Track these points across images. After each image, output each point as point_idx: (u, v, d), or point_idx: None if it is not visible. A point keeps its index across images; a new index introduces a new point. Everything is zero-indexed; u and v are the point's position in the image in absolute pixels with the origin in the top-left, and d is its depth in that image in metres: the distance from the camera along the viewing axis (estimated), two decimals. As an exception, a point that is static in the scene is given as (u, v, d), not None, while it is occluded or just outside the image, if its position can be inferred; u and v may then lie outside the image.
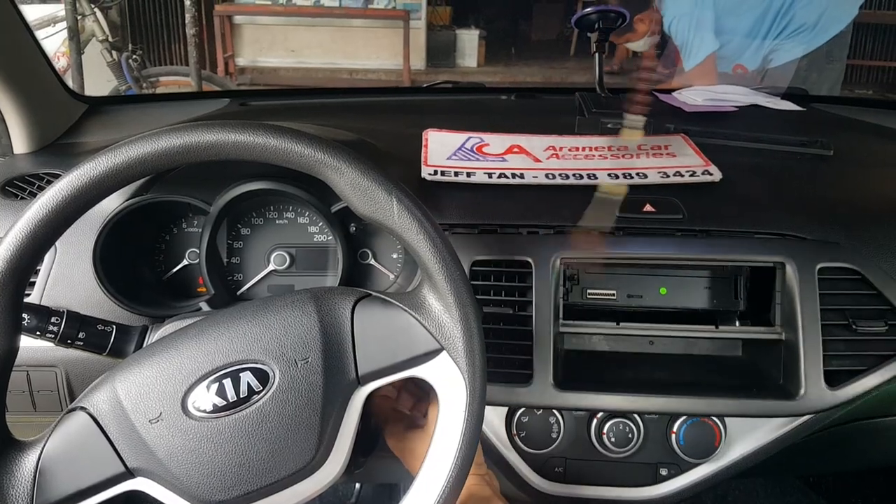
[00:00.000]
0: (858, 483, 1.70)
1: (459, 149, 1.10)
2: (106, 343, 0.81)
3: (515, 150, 1.10)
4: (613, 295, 0.94)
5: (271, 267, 1.01)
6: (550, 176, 1.01)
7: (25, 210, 0.62)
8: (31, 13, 3.52)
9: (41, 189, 1.00)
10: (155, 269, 1.02)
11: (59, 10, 3.34)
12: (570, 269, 0.95)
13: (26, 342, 0.69)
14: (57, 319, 0.79)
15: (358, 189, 0.67)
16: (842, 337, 0.90)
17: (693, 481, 0.91)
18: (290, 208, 1.03)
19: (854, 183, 1.07)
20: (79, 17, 3.20)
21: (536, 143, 1.12)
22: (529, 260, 0.91)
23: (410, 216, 0.68)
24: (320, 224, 1.02)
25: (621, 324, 0.92)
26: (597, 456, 0.90)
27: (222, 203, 0.94)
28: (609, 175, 1.01)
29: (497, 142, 1.13)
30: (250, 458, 0.65)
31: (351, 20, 6.15)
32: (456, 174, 1.01)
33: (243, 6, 6.18)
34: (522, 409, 0.90)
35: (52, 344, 0.79)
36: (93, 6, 3.27)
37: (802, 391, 0.87)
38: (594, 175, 1.01)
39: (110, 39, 3.34)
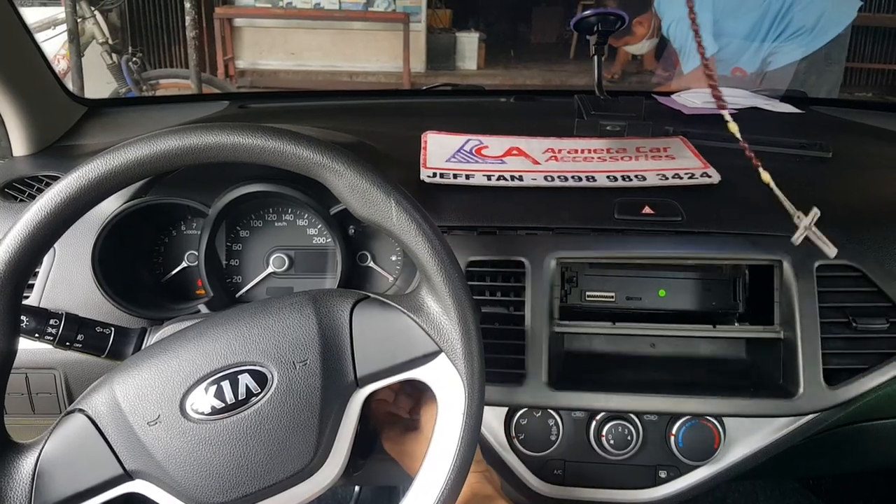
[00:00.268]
0: (858, 485, 1.70)
1: (458, 151, 1.10)
2: (104, 345, 0.81)
3: (514, 152, 1.10)
4: (612, 297, 0.94)
5: (270, 269, 1.01)
6: (549, 178, 1.01)
7: (24, 212, 0.62)
8: (31, 15, 3.52)
9: (40, 191, 1.00)
10: (154, 271, 1.02)
11: (59, 12, 3.35)
12: (568, 272, 0.95)
13: (25, 344, 0.69)
14: (56, 321, 0.79)
15: (356, 191, 0.67)
16: (841, 335, 0.90)
17: (692, 483, 0.91)
18: (289, 210, 1.03)
19: (853, 185, 1.07)
20: (79, 20, 3.20)
21: (535, 145, 1.12)
22: (524, 260, 0.91)
23: (409, 218, 0.68)
24: (319, 226, 1.02)
25: (618, 323, 0.92)
26: (596, 458, 0.90)
27: (221, 205, 0.94)
28: (608, 177, 1.01)
29: (496, 144, 1.13)
30: (248, 460, 0.65)
31: (351, 23, 6.16)
32: (455, 176, 1.01)
33: (243, 9, 6.18)
34: (521, 412, 0.90)
35: (50, 346, 0.79)
36: (93, 9, 3.27)
37: (801, 390, 0.87)
38: (593, 177, 1.01)
39: (110, 42, 3.34)
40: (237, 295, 1.02)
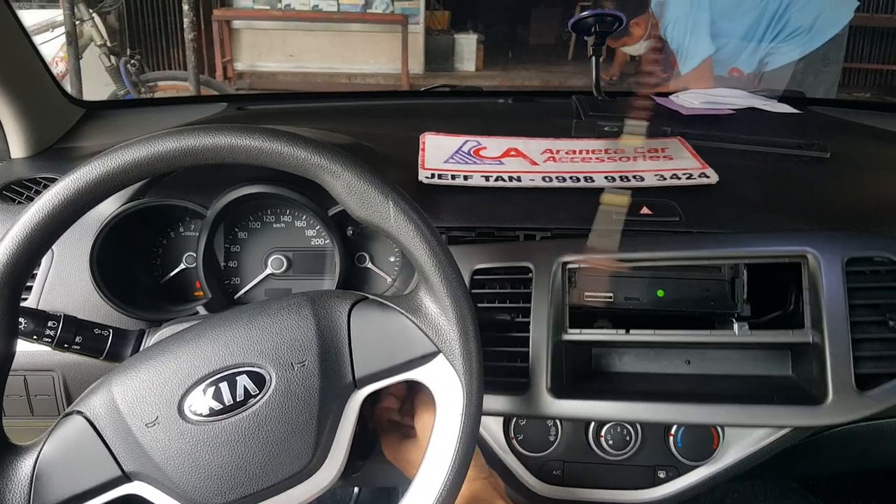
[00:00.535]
0: (857, 485, 1.70)
1: (457, 152, 1.10)
2: (103, 347, 0.81)
3: (512, 153, 1.10)
4: (611, 297, 0.94)
5: (268, 271, 1.01)
6: (547, 179, 1.01)
7: (21, 214, 0.62)
8: (29, 18, 3.52)
9: (38, 193, 1.00)
10: (152, 273, 1.02)
11: (58, 14, 3.35)
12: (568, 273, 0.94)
13: (23, 346, 0.69)
14: (54, 323, 0.79)
15: (354, 192, 0.68)
16: (876, 335, 0.84)
17: (691, 484, 0.91)
18: (288, 212, 1.03)
19: (851, 185, 1.07)
20: (77, 22, 3.20)
21: (534, 146, 1.12)
22: (530, 265, 0.90)
23: (407, 219, 0.68)
24: (317, 228, 1.02)
25: (632, 331, 0.89)
26: (595, 459, 0.90)
27: (219, 207, 0.94)
28: (606, 178, 1.01)
29: (494, 145, 1.13)
30: (247, 461, 0.65)
31: (349, 25, 6.17)
32: (453, 177, 1.01)
33: (242, 11, 6.19)
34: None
35: (49, 348, 0.79)
36: (91, 11, 3.27)
37: (830, 398, 0.82)
38: (591, 178, 1.01)
39: (109, 44, 3.34)
40: (235, 296, 1.02)
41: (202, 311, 0.94)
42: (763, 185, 1.04)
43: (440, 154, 1.08)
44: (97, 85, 3.47)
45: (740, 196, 1.00)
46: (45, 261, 0.97)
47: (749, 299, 0.95)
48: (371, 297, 0.72)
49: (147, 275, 1.01)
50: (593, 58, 1.22)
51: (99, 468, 0.65)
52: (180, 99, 1.61)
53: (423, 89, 1.67)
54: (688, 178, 1.01)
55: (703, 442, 0.88)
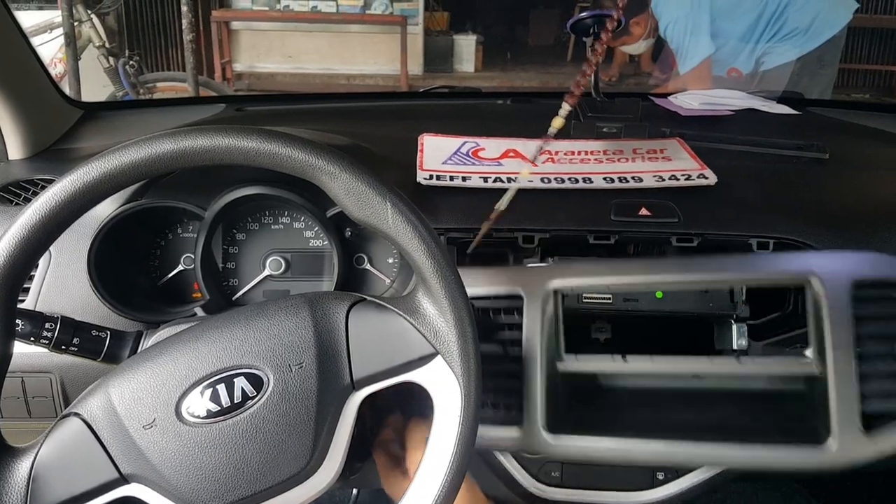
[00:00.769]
0: (858, 486, 1.70)
1: (455, 153, 1.10)
2: (100, 349, 0.81)
3: (511, 154, 1.10)
4: (609, 299, 0.93)
5: (267, 272, 1.01)
6: (546, 180, 1.01)
7: (18, 216, 0.62)
8: (27, 19, 3.52)
9: (36, 195, 1.00)
10: (150, 274, 1.02)
11: (56, 16, 3.34)
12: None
13: (20, 348, 0.69)
14: (51, 325, 0.79)
15: (352, 193, 0.67)
16: (886, 369, 0.78)
17: (690, 485, 0.91)
18: (286, 213, 1.03)
19: (850, 186, 1.07)
20: (75, 23, 3.20)
21: (532, 147, 1.12)
22: (521, 293, 0.85)
23: (405, 220, 0.67)
24: (316, 229, 1.02)
25: (629, 358, 0.84)
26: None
27: (217, 208, 0.94)
28: (604, 179, 1.01)
29: (492, 146, 1.13)
30: (244, 463, 0.65)
31: (348, 26, 6.17)
32: (451, 178, 1.01)
33: (240, 12, 6.19)
34: None
35: (46, 350, 0.79)
36: (89, 12, 3.27)
37: (833, 438, 0.77)
38: (589, 179, 1.01)
39: (107, 45, 3.34)
40: (233, 298, 1.02)
41: (200, 312, 0.94)
42: (762, 185, 1.04)
43: (438, 155, 1.08)
44: (96, 86, 3.47)
45: (739, 197, 1.00)
46: (42, 262, 0.97)
47: (748, 300, 0.95)
48: (369, 298, 0.72)
49: (145, 276, 1.01)
50: (586, 63, 1.22)
51: (96, 470, 0.65)
52: (178, 100, 1.61)
53: (421, 90, 1.67)
54: (686, 179, 1.01)
55: None
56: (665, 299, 0.93)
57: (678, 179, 1.01)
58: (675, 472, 0.91)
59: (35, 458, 0.64)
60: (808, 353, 0.82)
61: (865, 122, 1.38)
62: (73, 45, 3.10)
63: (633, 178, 1.01)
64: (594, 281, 0.86)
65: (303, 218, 1.03)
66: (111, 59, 3.32)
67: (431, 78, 6.24)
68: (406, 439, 0.84)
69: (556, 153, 1.10)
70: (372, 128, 1.24)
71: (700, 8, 2.36)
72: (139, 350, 0.83)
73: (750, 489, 1.72)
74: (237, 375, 0.66)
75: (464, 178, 1.01)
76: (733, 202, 0.99)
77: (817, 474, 0.84)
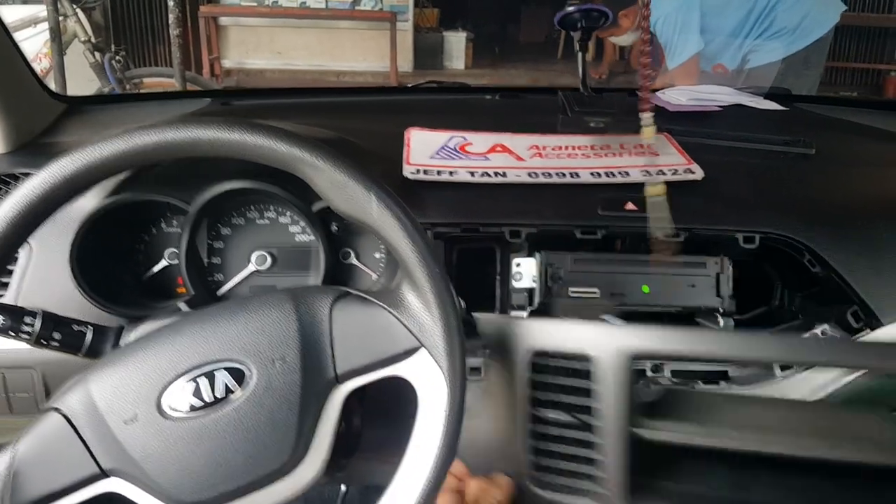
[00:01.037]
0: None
1: (442, 148, 1.09)
2: (82, 344, 0.80)
3: (499, 149, 1.10)
4: (596, 293, 0.93)
5: (252, 267, 1.00)
6: (533, 175, 1.01)
7: None
8: (11, 14, 3.48)
9: (16, 189, 0.99)
10: (134, 269, 1.01)
11: (41, 10, 3.31)
12: (552, 268, 0.94)
13: (2, 343, 0.68)
14: (32, 320, 0.78)
15: (336, 186, 0.67)
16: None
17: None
18: (272, 208, 1.02)
19: (836, 181, 1.08)
20: (60, 18, 3.17)
21: (520, 142, 1.12)
22: (589, 354, 0.76)
23: (389, 213, 0.67)
24: (302, 224, 1.02)
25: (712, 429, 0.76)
26: (580, 454, 0.89)
27: (201, 202, 0.93)
28: (591, 174, 1.01)
29: (480, 141, 1.12)
30: (226, 458, 0.64)
31: (337, 22, 6.14)
32: (438, 173, 1.01)
33: (229, 8, 6.15)
34: None
35: (28, 345, 0.78)
36: (74, 7, 3.24)
37: None
38: (576, 174, 1.01)
39: (93, 40, 3.31)
40: (219, 293, 1.01)
41: (184, 307, 0.93)
42: (748, 181, 1.04)
43: (426, 150, 1.08)
44: (81, 81, 3.43)
45: (726, 192, 1.00)
46: (24, 257, 0.96)
47: (735, 295, 0.95)
48: (353, 292, 0.71)
49: (129, 271, 1.00)
50: (580, 53, 1.22)
51: (76, 465, 0.64)
52: (164, 94, 1.59)
53: (409, 86, 1.67)
54: (673, 174, 1.01)
55: None
56: (652, 293, 0.93)
57: (665, 174, 1.01)
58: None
59: (14, 454, 0.63)
60: None
61: (852, 118, 1.38)
62: (59, 40, 3.07)
63: (620, 172, 1.01)
64: (673, 347, 0.77)
65: (289, 213, 1.02)
66: (97, 54, 3.29)
67: (421, 75, 6.23)
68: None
69: (544, 148, 1.10)
70: (359, 123, 1.23)
71: (690, 5, 2.37)
72: (120, 344, 0.82)
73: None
74: (219, 369, 0.65)
75: (451, 173, 1.01)
76: (720, 197, 0.99)
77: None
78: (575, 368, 0.78)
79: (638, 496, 0.77)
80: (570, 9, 1.16)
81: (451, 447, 0.67)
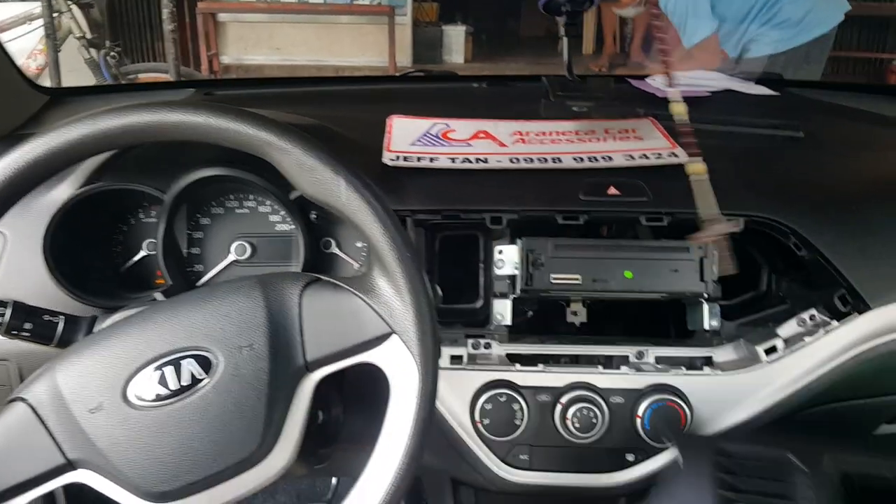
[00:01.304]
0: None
1: (424, 135, 1.08)
2: (53, 334, 0.79)
3: (481, 135, 1.08)
4: (578, 280, 0.92)
5: (232, 257, 0.99)
6: (515, 160, 0.99)
7: None
8: (6, 11, 3.47)
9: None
10: (112, 260, 1.00)
11: (35, 7, 3.31)
12: (533, 254, 0.93)
13: None
14: (2, 310, 0.77)
15: (304, 169, 0.66)
16: None
17: (660, 466, 0.90)
18: (251, 197, 1.01)
19: (824, 164, 1.06)
20: (55, 14, 3.16)
21: (503, 128, 1.10)
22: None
23: (359, 196, 0.66)
24: (282, 213, 1.00)
25: None
26: (562, 442, 0.89)
27: (177, 190, 0.92)
28: (574, 158, 1.00)
29: (463, 127, 1.11)
30: (193, 447, 0.63)
31: (336, 17, 6.12)
32: (419, 159, 0.99)
33: (227, 3, 6.14)
34: (486, 397, 0.88)
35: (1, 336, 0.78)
36: (69, 3, 3.23)
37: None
38: (559, 159, 1.00)
39: (87, 36, 3.30)
40: (198, 284, 1.00)
41: (161, 298, 0.92)
42: (734, 164, 1.02)
43: (407, 137, 1.06)
44: (80, 77, 3.43)
45: (711, 176, 0.98)
46: None
47: (719, 280, 0.94)
48: (324, 278, 0.70)
49: (107, 261, 0.99)
50: (564, 38, 1.20)
51: (42, 456, 0.63)
52: (147, 85, 1.58)
53: (397, 75, 1.65)
54: (657, 158, 0.99)
55: (670, 423, 0.87)
56: (635, 279, 0.92)
57: (648, 158, 0.99)
58: (644, 453, 0.90)
59: None
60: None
61: (844, 103, 1.36)
62: (53, 37, 3.07)
63: (602, 157, 1.00)
64: None
65: (268, 202, 1.01)
66: (92, 50, 3.29)
67: (420, 69, 6.20)
68: None
69: (527, 134, 1.09)
70: (344, 111, 1.22)
71: None
72: None
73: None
74: (185, 357, 0.64)
75: (431, 159, 1.00)
76: (704, 181, 0.98)
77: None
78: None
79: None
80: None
81: (422, 433, 0.66)
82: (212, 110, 0.65)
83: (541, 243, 0.93)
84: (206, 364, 0.64)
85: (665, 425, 0.86)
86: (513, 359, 0.92)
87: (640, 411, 0.87)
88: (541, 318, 1.05)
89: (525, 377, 0.89)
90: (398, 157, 0.99)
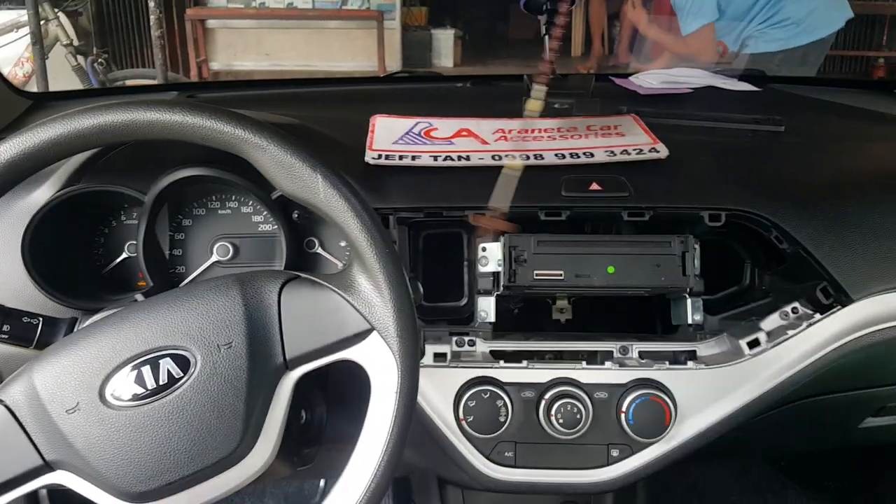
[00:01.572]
0: (831, 466, 1.70)
1: (406, 133, 1.08)
2: (32, 336, 0.79)
3: (464, 133, 1.08)
4: (561, 275, 0.92)
5: (214, 258, 0.99)
6: (497, 157, 0.99)
7: None
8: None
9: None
10: (94, 262, 0.99)
11: (22, 15, 3.29)
12: (516, 250, 0.93)
13: None
14: None
15: (282, 166, 0.66)
16: None
17: (646, 462, 0.90)
18: (233, 197, 1.01)
19: (805, 158, 1.07)
20: (42, 22, 3.15)
21: (485, 126, 1.10)
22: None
23: (336, 193, 0.66)
24: (265, 213, 1.00)
25: None
26: (546, 438, 0.88)
27: (157, 191, 0.91)
28: (556, 155, 1.00)
29: (445, 126, 1.11)
30: (171, 447, 0.63)
31: (325, 22, 6.11)
32: (400, 157, 0.99)
33: (215, 10, 6.12)
34: (469, 394, 0.88)
35: None
36: (56, 10, 3.22)
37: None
38: (541, 156, 1.00)
39: (75, 44, 3.29)
40: (180, 285, 0.99)
41: (141, 299, 0.91)
42: (715, 159, 1.02)
43: (389, 136, 1.06)
44: (70, 85, 3.41)
45: (691, 170, 0.99)
46: None
47: (703, 275, 0.94)
48: (303, 276, 0.70)
49: (88, 264, 0.99)
50: (545, 36, 1.20)
51: (19, 458, 0.63)
52: (131, 88, 1.58)
53: (382, 76, 1.65)
54: (638, 154, 0.99)
55: (654, 418, 0.87)
56: (617, 274, 0.92)
57: (630, 154, 0.99)
58: (629, 448, 0.89)
59: None
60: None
61: (826, 98, 1.37)
62: (40, 44, 3.05)
63: (584, 153, 1.00)
64: None
65: (251, 202, 1.00)
66: (79, 57, 3.28)
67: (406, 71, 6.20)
68: None
69: (510, 132, 1.09)
70: (328, 112, 1.22)
71: None
72: None
73: (720, 471, 1.72)
74: (163, 356, 0.64)
75: (413, 157, 0.99)
76: (686, 176, 0.98)
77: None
78: None
79: None
80: (534, -8, 1.15)
81: (403, 430, 0.65)
82: (187, 108, 0.65)
83: (524, 240, 0.93)
84: (183, 363, 0.64)
85: None
86: (497, 356, 0.92)
87: (625, 406, 0.87)
88: (527, 316, 1.06)
89: (509, 374, 0.89)
90: (380, 156, 0.99)
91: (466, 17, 6.94)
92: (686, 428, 0.89)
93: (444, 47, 6.57)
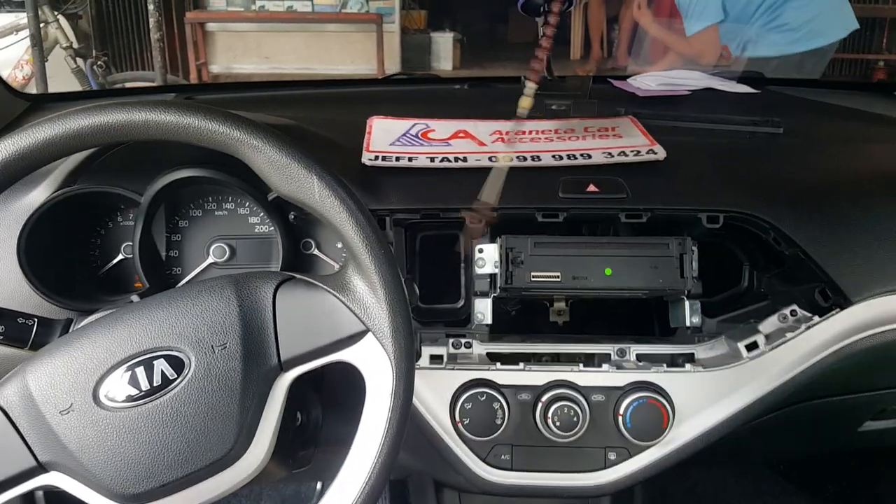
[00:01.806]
0: (831, 469, 1.69)
1: (404, 135, 1.07)
2: (27, 337, 0.79)
3: (461, 134, 1.08)
4: (558, 277, 0.92)
5: (211, 259, 0.99)
6: (494, 159, 0.99)
7: None
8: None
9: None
10: (90, 263, 0.99)
11: (22, 18, 3.30)
12: (513, 252, 0.92)
13: None
14: None
15: (277, 167, 0.66)
16: None
17: (643, 465, 0.89)
18: (230, 199, 1.00)
19: (803, 160, 1.06)
20: (42, 25, 3.15)
21: (483, 127, 1.10)
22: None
23: (332, 193, 0.66)
24: (261, 214, 1.00)
25: None
26: (543, 441, 0.88)
27: (153, 192, 0.91)
28: (553, 156, 0.99)
29: (443, 128, 1.11)
30: (165, 448, 0.62)
31: (325, 25, 6.13)
32: (397, 159, 0.99)
33: (215, 13, 6.13)
34: (466, 396, 0.87)
35: None
36: (56, 13, 3.23)
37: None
38: (538, 157, 0.99)
39: (74, 46, 3.30)
40: (177, 287, 0.99)
41: (136, 300, 0.91)
42: (713, 161, 1.02)
43: (386, 137, 1.06)
44: (69, 87, 3.41)
45: (689, 172, 0.98)
46: None
47: (701, 277, 0.94)
48: (298, 277, 0.70)
49: (85, 265, 0.99)
50: (544, 38, 1.20)
51: (13, 459, 0.62)
52: (127, 91, 1.58)
53: (380, 78, 1.65)
54: (635, 155, 0.99)
55: (652, 421, 0.86)
56: (614, 276, 0.92)
57: (627, 155, 0.99)
58: (626, 452, 0.89)
59: None
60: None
61: (824, 100, 1.37)
62: (40, 47, 3.06)
63: (581, 155, 1.00)
64: None
65: (247, 203, 1.00)
66: (79, 59, 3.28)
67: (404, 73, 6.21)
68: None
69: (507, 133, 1.08)
70: (326, 114, 1.22)
71: None
72: None
73: (720, 475, 1.71)
74: (157, 358, 0.64)
75: (410, 159, 0.99)
76: (683, 177, 0.98)
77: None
78: None
79: None
80: (532, -6, 1.14)
81: (398, 432, 0.65)
82: (181, 108, 0.64)
83: (521, 241, 0.92)
84: (178, 364, 0.64)
85: None
86: (493, 358, 0.91)
87: (622, 409, 0.87)
88: (524, 318, 1.05)
89: (505, 376, 0.89)
90: (377, 157, 0.99)
91: (465, 20, 6.95)
92: (684, 431, 0.88)
93: (443, 50, 6.58)
